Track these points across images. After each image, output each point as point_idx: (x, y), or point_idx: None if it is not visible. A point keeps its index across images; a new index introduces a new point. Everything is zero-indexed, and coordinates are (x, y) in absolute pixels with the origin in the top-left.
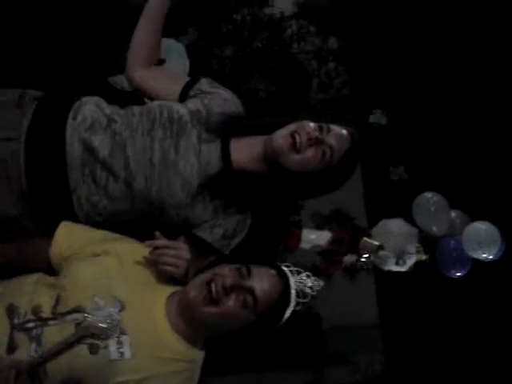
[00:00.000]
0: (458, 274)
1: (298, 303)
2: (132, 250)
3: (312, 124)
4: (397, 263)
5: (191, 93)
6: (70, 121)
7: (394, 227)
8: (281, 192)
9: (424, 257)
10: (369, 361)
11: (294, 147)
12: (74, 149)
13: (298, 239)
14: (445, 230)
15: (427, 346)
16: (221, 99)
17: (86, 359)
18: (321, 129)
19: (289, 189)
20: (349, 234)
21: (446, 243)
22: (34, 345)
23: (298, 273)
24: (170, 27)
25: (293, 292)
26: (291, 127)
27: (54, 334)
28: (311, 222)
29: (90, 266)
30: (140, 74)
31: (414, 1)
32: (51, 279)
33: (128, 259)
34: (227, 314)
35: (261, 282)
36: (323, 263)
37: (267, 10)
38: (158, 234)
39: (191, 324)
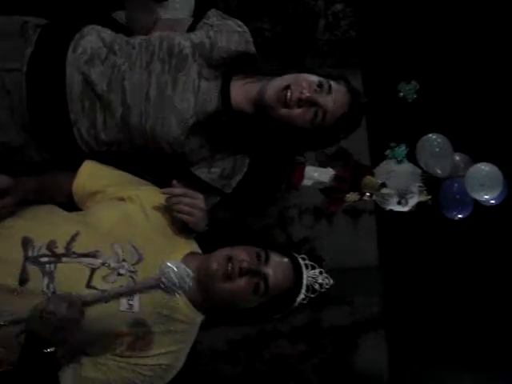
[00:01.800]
0: (460, 217)
1: (305, 297)
2: (155, 200)
3: (312, 79)
4: (399, 202)
5: (198, 25)
6: (70, 52)
7: (397, 166)
8: (273, 139)
9: (426, 197)
10: (367, 302)
11: (284, 102)
12: (73, 81)
13: (302, 176)
14: (448, 171)
15: (426, 287)
16: (228, 32)
17: (97, 306)
18: (320, 85)
19: (279, 138)
20: (351, 172)
21: (449, 185)
22: (46, 280)
23: (313, 267)
24: None
25: (304, 286)
26: (287, 79)
27: (67, 273)
28: (315, 161)
29: (114, 211)
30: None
31: None
32: (72, 214)
33: (151, 209)
34: (237, 293)
35: (276, 270)
36: (325, 201)
37: None
38: (175, 182)
39: (203, 291)
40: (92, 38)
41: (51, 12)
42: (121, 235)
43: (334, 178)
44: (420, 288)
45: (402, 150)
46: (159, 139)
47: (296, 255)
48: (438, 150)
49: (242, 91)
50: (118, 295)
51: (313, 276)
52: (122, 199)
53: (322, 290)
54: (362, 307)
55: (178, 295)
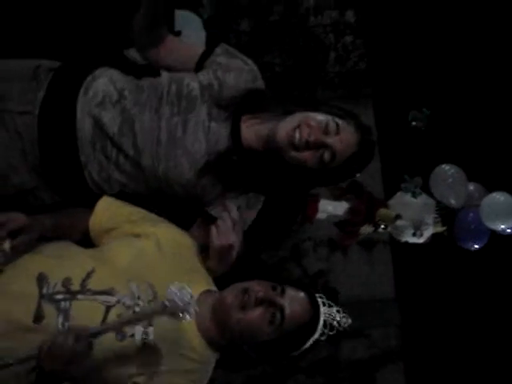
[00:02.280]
0: (476, 247)
1: (323, 333)
2: (172, 237)
3: (320, 118)
4: (414, 234)
5: (206, 64)
6: (81, 95)
7: (411, 198)
8: (284, 177)
9: (442, 228)
10: (385, 334)
11: (293, 144)
12: (84, 124)
13: (316, 209)
14: (462, 201)
15: (444, 318)
16: (237, 70)
17: (112, 344)
18: (327, 126)
19: (290, 177)
20: (366, 205)
21: (464, 215)
22: (61, 318)
23: (330, 306)
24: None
25: (321, 321)
26: (297, 119)
27: (82, 311)
28: (329, 194)
29: (129, 248)
30: (152, 52)
31: None
32: (88, 250)
33: (167, 247)
34: (253, 323)
35: (292, 303)
36: (339, 235)
37: None
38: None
39: (218, 327)
40: (104, 81)
41: (64, 50)
42: (136, 273)
43: (348, 211)
44: (438, 319)
45: (415, 183)
46: (172, 182)
47: (313, 291)
48: (451, 180)
49: (252, 130)
50: (123, 324)
51: (330, 313)
52: (137, 235)
53: (340, 328)
54: (379, 340)
55: (184, 321)
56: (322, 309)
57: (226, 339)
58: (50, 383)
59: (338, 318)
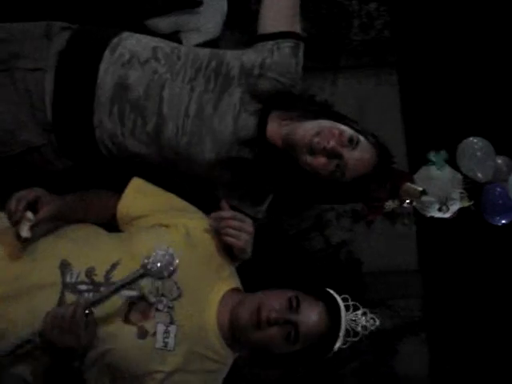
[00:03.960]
0: (503, 222)
1: (345, 342)
2: (202, 230)
3: (343, 128)
4: (440, 209)
5: (263, 45)
6: (107, 53)
7: (438, 172)
8: (296, 181)
9: (468, 203)
10: (408, 305)
11: (310, 148)
12: (105, 84)
13: None
14: (490, 176)
15: (467, 292)
16: (283, 69)
17: (132, 342)
18: (351, 140)
19: (301, 182)
20: (391, 180)
21: (492, 190)
22: None
23: (355, 308)
24: None
25: (342, 330)
26: (322, 124)
27: (104, 305)
28: None
29: (157, 240)
30: None
31: None
32: (114, 238)
33: (196, 240)
34: (268, 342)
35: (308, 317)
36: (364, 209)
37: None
38: (224, 204)
39: (236, 337)
40: (132, 42)
41: (82, 20)
42: None
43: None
44: (461, 292)
45: (442, 156)
46: (191, 158)
47: (335, 295)
48: (479, 153)
49: (277, 127)
50: (117, 289)
51: (354, 318)
52: (166, 226)
53: (366, 332)
54: (402, 310)
55: (166, 276)
56: (345, 315)
57: (241, 346)
58: (59, 359)
59: (364, 322)
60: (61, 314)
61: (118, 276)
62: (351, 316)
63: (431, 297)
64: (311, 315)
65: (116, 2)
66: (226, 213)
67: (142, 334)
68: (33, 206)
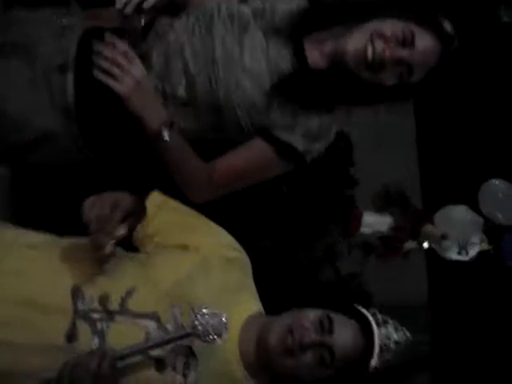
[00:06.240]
0: None
1: (380, 359)
2: (221, 251)
3: (393, 27)
4: (459, 253)
5: None
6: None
7: (459, 215)
8: (353, 93)
9: (488, 247)
10: (416, 340)
11: (367, 63)
12: None
13: (359, 223)
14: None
15: (476, 335)
16: None
17: (150, 375)
18: (404, 40)
19: (359, 92)
20: (411, 221)
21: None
22: (96, 339)
23: (384, 322)
24: None
25: (376, 348)
26: (368, 31)
27: (120, 335)
28: (371, 205)
29: (174, 267)
30: None
31: None
32: (128, 262)
33: (215, 261)
34: (301, 369)
35: (342, 337)
36: (382, 249)
37: None
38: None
39: (263, 365)
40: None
41: None
42: (181, 296)
43: (392, 227)
44: (470, 334)
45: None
46: (235, 107)
47: (364, 312)
48: (501, 195)
49: (316, 51)
50: (151, 347)
51: (386, 334)
52: (185, 247)
53: (398, 347)
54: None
55: (217, 343)
56: (377, 331)
57: (268, 376)
58: None
59: (396, 337)
60: (84, 365)
61: (134, 304)
62: (383, 331)
63: (440, 332)
64: (345, 335)
65: None
66: (122, 45)
67: (160, 367)
68: None
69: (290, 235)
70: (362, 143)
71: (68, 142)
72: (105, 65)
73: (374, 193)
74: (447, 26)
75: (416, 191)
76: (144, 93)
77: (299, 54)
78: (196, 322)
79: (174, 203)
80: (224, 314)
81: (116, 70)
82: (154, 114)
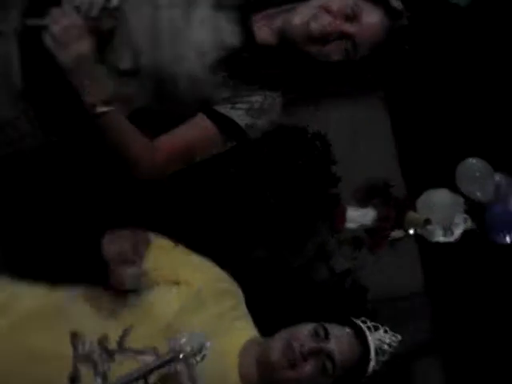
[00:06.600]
0: (508, 239)
1: (377, 362)
2: (214, 285)
3: (343, 1)
4: (444, 234)
5: None
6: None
7: (439, 198)
8: (301, 72)
9: (472, 225)
10: (415, 329)
11: (312, 36)
12: None
13: (344, 219)
14: (490, 194)
15: (474, 313)
16: None
17: None
18: (350, 11)
19: (307, 71)
20: (394, 210)
21: (493, 207)
22: (98, 380)
23: (375, 328)
24: None
25: (372, 352)
26: (314, 4)
27: (121, 373)
28: (353, 200)
29: (170, 303)
30: None
31: None
32: (123, 299)
33: (208, 295)
34: (305, 379)
35: (339, 344)
36: (369, 241)
37: None
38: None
39: (265, 382)
40: None
41: None
42: (178, 329)
43: (376, 219)
44: (470, 310)
45: None
46: (178, 78)
47: (355, 320)
48: (478, 174)
49: (265, 27)
50: (147, 373)
51: (379, 337)
52: (177, 283)
53: (391, 349)
54: (412, 334)
55: (198, 362)
56: (370, 336)
57: None
58: None
59: (388, 340)
60: None
61: (132, 342)
62: (376, 335)
63: (440, 318)
64: (342, 341)
65: None
66: (75, 17)
67: None
68: None
69: (281, 241)
70: (339, 141)
71: (26, 125)
72: (54, 29)
73: (356, 187)
74: (395, 2)
75: (398, 180)
76: (86, 65)
77: (246, 30)
78: (175, 346)
79: (161, 241)
80: (202, 334)
81: (64, 37)
82: (93, 88)
